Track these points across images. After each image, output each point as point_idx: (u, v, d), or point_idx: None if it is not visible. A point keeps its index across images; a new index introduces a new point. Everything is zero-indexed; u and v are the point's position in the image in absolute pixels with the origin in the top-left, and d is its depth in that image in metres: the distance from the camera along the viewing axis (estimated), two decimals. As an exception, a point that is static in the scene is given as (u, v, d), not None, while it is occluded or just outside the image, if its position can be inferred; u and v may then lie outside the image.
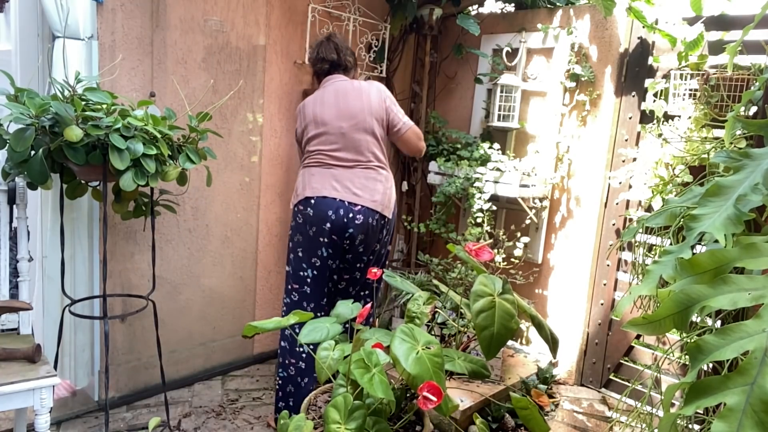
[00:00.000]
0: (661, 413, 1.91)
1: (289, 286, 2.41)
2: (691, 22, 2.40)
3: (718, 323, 1.77)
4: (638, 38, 2.72)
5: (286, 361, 2.37)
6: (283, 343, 2.39)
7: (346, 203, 2.28)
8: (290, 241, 2.42)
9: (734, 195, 1.09)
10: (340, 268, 2.46)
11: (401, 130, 2.41)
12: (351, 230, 2.29)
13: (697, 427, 1.73)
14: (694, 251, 1.20)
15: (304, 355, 2.34)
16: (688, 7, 2.31)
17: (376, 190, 2.33)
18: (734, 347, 0.88)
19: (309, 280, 2.37)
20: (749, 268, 1.01)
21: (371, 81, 2.45)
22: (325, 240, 2.30)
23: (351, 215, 2.28)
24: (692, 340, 0.92)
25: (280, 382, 2.39)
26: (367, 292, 2.54)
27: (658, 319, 1.01)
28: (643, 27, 2.55)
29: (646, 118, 2.66)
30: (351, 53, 2.47)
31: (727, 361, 1.40)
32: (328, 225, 2.27)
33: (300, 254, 2.37)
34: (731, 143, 2.03)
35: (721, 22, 2.42)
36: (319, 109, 2.35)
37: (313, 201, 2.28)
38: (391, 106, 2.40)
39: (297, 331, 2.33)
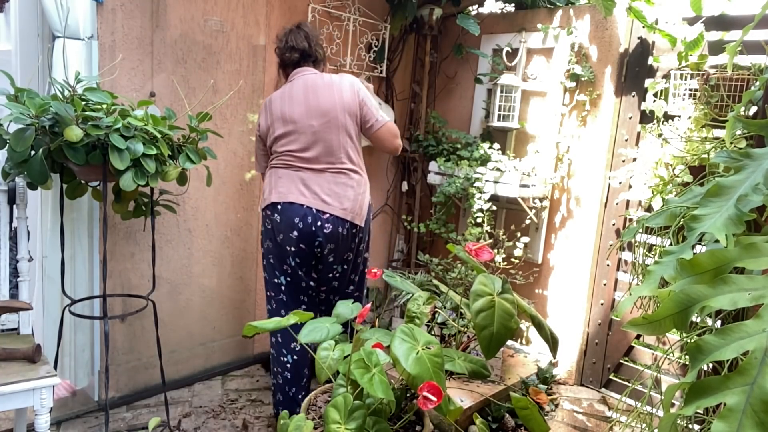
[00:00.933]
0: (660, 413, 1.91)
1: (268, 293, 2.32)
2: (691, 22, 2.40)
3: (718, 323, 1.77)
4: (638, 38, 2.72)
5: (275, 369, 2.33)
6: (271, 351, 2.34)
7: (314, 210, 2.13)
8: (261, 246, 2.32)
9: (735, 195, 1.09)
10: (314, 278, 2.31)
11: (374, 126, 2.23)
12: (320, 239, 2.16)
13: (697, 427, 1.73)
14: (694, 251, 1.20)
15: (288, 365, 2.28)
16: (688, 7, 2.31)
17: (346, 196, 2.18)
18: (734, 347, 0.88)
19: (283, 287, 2.26)
20: (749, 268, 1.01)
21: (342, 74, 2.29)
22: (293, 249, 2.17)
23: (319, 223, 2.13)
24: (692, 340, 0.92)
25: (272, 388, 2.37)
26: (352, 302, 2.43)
27: (658, 320, 1.01)
28: (643, 27, 2.55)
29: (646, 118, 2.66)
30: (321, 44, 2.32)
31: (727, 361, 1.41)
32: (296, 233, 2.14)
33: (272, 261, 2.26)
34: (731, 143, 2.03)
35: (721, 22, 2.42)
36: (287, 106, 2.18)
37: (279, 207, 2.15)
38: (365, 100, 2.23)
39: (280, 340, 2.29)
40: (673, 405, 2.23)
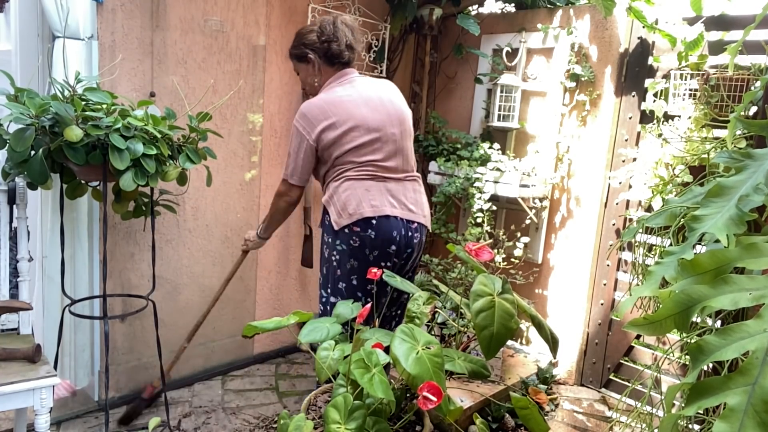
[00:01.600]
0: (661, 413, 1.91)
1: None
2: (691, 22, 2.40)
3: (718, 323, 1.77)
4: (638, 38, 2.72)
5: None
6: None
7: (405, 221, 2.03)
8: (338, 268, 2.06)
9: (736, 196, 1.09)
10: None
11: None
12: (410, 249, 2.06)
13: (697, 427, 1.73)
14: (694, 251, 1.20)
15: None
16: (688, 8, 2.32)
17: (424, 203, 2.13)
18: (735, 347, 0.88)
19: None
20: (750, 268, 1.01)
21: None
22: (388, 264, 2.03)
23: (410, 234, 2.04)
24: (693, 341, 0.92)
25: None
26: (400, 312, 2.24)
27: (659, 320, 1.01)
28: (643, 27, 2.55)
29: (646, 118, 2.66)
30: None
31: (727, 361, 1.41)
32: (394, 248, 2.00)
33: (354, 282, 2.04)
34: (731, 142, 2.03)
35: (721, 22, 2.42)
36: (365, 111, 2.00)
37: (374, 222, 1.97)
38: None
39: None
40: (673, 405, 2.23)
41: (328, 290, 2.10)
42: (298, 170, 2.06)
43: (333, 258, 2.05)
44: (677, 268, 1.09)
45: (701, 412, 1.71)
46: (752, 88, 2.20)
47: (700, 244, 1.55)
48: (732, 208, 1.07)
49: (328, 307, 2.09)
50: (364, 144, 1.99)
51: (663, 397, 1.91)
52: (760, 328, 0.88)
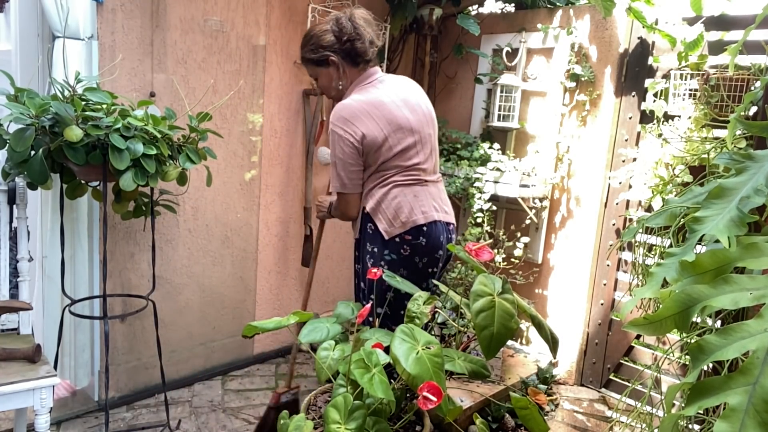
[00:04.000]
0: (661, 413, 1.91)
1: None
2: (691, 22, 2.40)
3: (719, 323, 1.77)
4: (638, 38, 2.72)
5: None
6: None
7: (445, 224, 1.97)
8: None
9: (737, 197, 1.09)
10: None
11: None
12: (450, 253, 2.00)
13: (697, 427, 1.73)
14: (696, 251, 1.20)
15: None
16: (688, 7, 2.32)
17: (450, 203, 2.07)
18: (736, 347, 0.88)
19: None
20: (750, 268, 1.02)
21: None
22: (434, 270, 1.97)
23: (450, 237, 1.99)
24: (693, 341, 0.92)
25: None
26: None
27: (659, 320, 1.01)
28: (643, 27, 2.55)
29: (646, 118, 2.66)
30: None
31: (727, 361, 1.41)
32: (440, 252, 1.95)
33: (403, 291, 1.95)
34: (731, 142, 2.03)
35: (721, 22, 2.42)
36: (406, 112, 1.90)
37: (425, 228, 1.90)
38: None
39: None
40: (673, 405, 2.23)
41: (372, 299, 1.97)
42: (348, 179, 1.91)
43: (382, 267, 1.92)
44: (678, 268, 1.09)
45: (701, 412, 1.71)
46: (752, 88, 2.20)
47: (700, 243, 1.56)
48: (733, 209, 1.07)
49: (382, 311, 2.01)
50: (408, 147, 1.89)
51: (663, 397, 1.91)
52: (761, 328, 0.88)
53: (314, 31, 1.97)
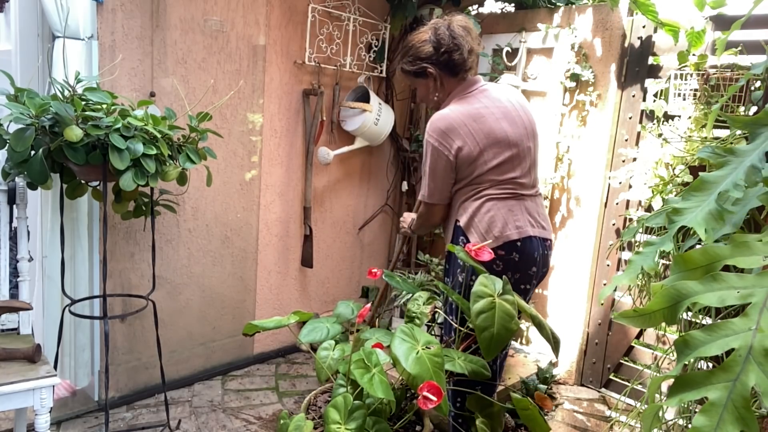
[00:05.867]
0: (660, 413, 1.91)
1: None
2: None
3: (717, 321, 1.77)
4: (638, 38, 2.72)
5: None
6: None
7: (541, 239, 1.90)
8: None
9: (716, 191, 1.11)
10: None
11: None
12: (545, 269, 1.95)
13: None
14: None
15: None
16: (688, 7, 2.31)
17: (548, 217, 2.01)
18: (720, 344, 0.90)
19: None
20: (740, 266, 1.02)
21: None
22: (527, 286, 1.91)
23: (546, 252, 1.93)
24: (680, 335, 0.94)
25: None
26: None
27: (648, 312, 1.03)
28: (649, 19, 2.52)
29: (646, 117, 2.66)
30: None
31: (722, 357, 1.41)
32: (534, 269, 1.88)
33: None
34: (731, 143, 2.03)
35: (721, 22, 2.42)
36: (505, 125, 1.84)
37: (519, 244, 1.84)
38: None
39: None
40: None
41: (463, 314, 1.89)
42: (437, 190, 1.89)
43: (471, 282, 1.81)
44: (672, 266, 1.09)
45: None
46: (752, 88, 2.20)
47: (699, 243, 1.56)
48: (711, 202, 1.09)
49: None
50: (505, 161, 1.84)
51: (661, 396, 1.91)
52: (746, 327, 0.89)
53: (413, 42, 1.94)
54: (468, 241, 1.87)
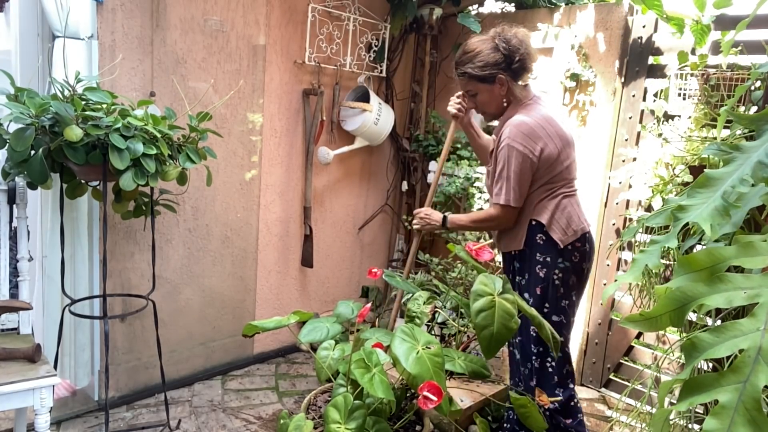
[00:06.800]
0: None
1: (564, 340, 2.03)
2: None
3: (719, 322, 1.77)
4: (638, 38, 2.72)
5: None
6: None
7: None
8: (561, 287, 1.99)
9: (723, 187, 1.10)
10: None
11: None
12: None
13: (697, 426, 1.73)
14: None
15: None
16: (688, 7, 2.31)
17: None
18: (728, 345, 0.89)
19: (572, 327, 2.10)
20: (746, 267, 1.02)
21: None
22: (587, 276, 2.09)
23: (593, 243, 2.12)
24: (688, 338, 0.92)
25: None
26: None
27: (654, 316, 1.02)
28: (655, 12, 2.50)
29: (646, 117, 2.66)
30: None
31: (727, 360, 1.41)
32: (593, 259, 2.09)
33: (574, 297, 2.04)
34: (731, 142, 2.03)
35: (721, 22, 2.42)
36: (566, 128, 2.03)
37: (587, 235, 2.04)
38: None
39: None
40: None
41: (545, 309, 2.00)
42: (521, 193, 1.96)
43: (554, 276, 1.98)
44: (675, 267, 1.09)
45: (700, 411, 1.71)
46: (752, 88, 2.20)
47: (700, 243, 1.56)
48: (717, 199, 1.08)
49: (557, 319, 2.01)
50: (573, 161, 2.03)
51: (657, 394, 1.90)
52: (754, 327, 0.88)
53: (479, 48, 1.97)
54: (547, 238, 1.98)
